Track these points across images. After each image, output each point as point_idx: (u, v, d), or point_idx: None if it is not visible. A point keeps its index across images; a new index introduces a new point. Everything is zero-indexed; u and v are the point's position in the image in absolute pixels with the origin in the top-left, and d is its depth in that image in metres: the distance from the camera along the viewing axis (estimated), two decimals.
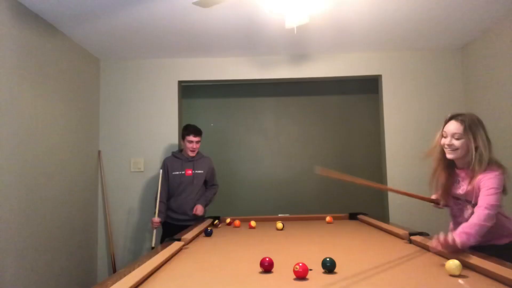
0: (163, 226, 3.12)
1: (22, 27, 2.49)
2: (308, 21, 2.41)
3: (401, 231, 2.03)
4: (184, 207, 3.09)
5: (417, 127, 3.56)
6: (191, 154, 3.13)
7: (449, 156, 1.81)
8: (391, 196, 3.53)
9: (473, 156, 1.74)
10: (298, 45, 3.42)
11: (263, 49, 3.52)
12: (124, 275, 1.23)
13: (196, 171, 3.16)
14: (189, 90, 4.45)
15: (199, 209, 3.06)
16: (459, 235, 1.51)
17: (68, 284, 2.96)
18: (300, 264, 1.25)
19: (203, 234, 2.31)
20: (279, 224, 2.46)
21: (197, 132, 3.13)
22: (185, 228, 2.55)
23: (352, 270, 1.36)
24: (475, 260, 1.32)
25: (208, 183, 3.30)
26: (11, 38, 2.38)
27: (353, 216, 2.98)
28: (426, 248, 1.69)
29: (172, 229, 2.92)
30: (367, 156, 4.51)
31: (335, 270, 1.34)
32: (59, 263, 2.85)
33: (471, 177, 1.76)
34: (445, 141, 1.80)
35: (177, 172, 3.13)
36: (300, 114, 4.61)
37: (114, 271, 3.41)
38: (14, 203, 2.37)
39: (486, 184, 1.67)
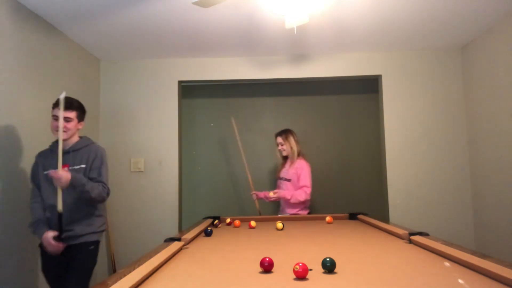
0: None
1: (22, 27, 2.49)
2: (308, 21, 2.41)
3: (401, 231, 2.02)
4: (57, 221, 2.03)
5: (417, 127, 3.57)
6: (56, 135, 2.11)
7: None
8: (391, 196, 3.53)
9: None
10: (298, 45, 3.42)
11: (263, 49, 3.52)
12: (124, 275, 1.23)
13: (74, 167, 2.18)
14: (189, 90, 4.45)
15: (59, 175, 1.97)
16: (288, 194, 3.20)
17: None
18: (300, 264, 1.24)
19: (203, 234, 2.31)
20: (279, 224, 2.46)
21: (67, 104, 2.12)
22: (63, 256, 2.06)
23: (352, 270, 1.36)
24: (475, 260, 1.32)
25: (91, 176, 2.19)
26: (11, 38, 2.38)
27: (353, 216, 2.98)
28: (426, 248, 1.69)
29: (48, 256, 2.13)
30: (367, 156, 4.51)
31: (335, 270, 1.34)
32: None
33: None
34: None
35: (49, 171, 2.12)
36: (300, 114, 4.60)
37: (114, 271, 3.41)
38: (14, 203, 2.36)
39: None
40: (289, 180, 3.29)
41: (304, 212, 3.27)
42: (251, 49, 3.50)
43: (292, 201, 3.17)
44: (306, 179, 3.21)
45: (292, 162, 3.30)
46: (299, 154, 3.30)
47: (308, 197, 3.19)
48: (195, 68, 3.73)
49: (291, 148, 3.29)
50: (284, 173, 3.37)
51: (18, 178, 2.41)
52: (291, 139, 3.31)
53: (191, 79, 3.75)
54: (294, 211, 3.24)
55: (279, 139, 3.36)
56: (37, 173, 2.23)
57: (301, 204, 3.24)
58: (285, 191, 3.25)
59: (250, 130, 4.59)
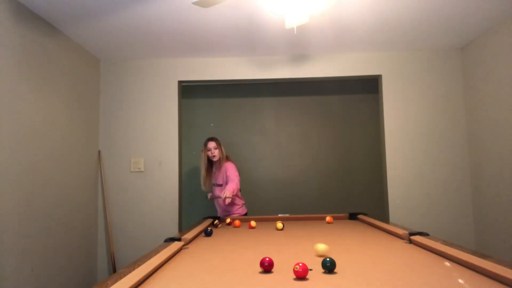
0: None
1: (22, 27, 2.49)
2: (308, 21, 2.41)
3: (401, 231, 2.02)
4: None
5: (417, 127, 3.57)
6: None
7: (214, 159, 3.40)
8: (391, 196, 3.53)
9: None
10: (298, 45, 3.42)
11: (263, 49, 3.52)
12: (124, 275, 1.23)
13: None
14: (189, 90, 4.45)
15: None
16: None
17: (68, 284, 2.96)
18: (300, 264, 1.25)
19: (203, 234, 2.31)
20: (279, 224, 2.46)
21: None
22: None
23: (352, 270, 1.36)
24: (475, 260, 1.32)
25: None
26: (11, 38, 2.38)
27: (353, 216, 2.98)
28: (426, 248, 1.69)
29: None
30: (367, 156, 4.52)
31: (335, 270, 1.34)
32: (59, 263, 2.85)
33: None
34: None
35: None
36: (300, 114, 4.61)
37: (114, 271, 3.42)
38: (14, 203, 2.37)
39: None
40: (221, 185, 3.36)
41: (242, 211, 3.44)
42: (251, 49, 3.50)
43: (233, 193, 3.10)
44: (232, 172, 3.29)
45: (219, 167, 3.38)
46: (226, 158, 3.41)
47: (238, 186, 3.24)
48: (195, 68, 3.73)
49: (223, 153, 3.39)
50: (215, 179, 3.46)
51: (17, 177, 2.41)
52: (221, 144, 3.41)
53: (191, 79, 3.75)
54: (233, 209, 3.40)
55: (212, 144, 3.37)
56: None
57: (239, 202, 3.43)
58: (226, 189, 3.08)
59: (250, 130, 4.59)
